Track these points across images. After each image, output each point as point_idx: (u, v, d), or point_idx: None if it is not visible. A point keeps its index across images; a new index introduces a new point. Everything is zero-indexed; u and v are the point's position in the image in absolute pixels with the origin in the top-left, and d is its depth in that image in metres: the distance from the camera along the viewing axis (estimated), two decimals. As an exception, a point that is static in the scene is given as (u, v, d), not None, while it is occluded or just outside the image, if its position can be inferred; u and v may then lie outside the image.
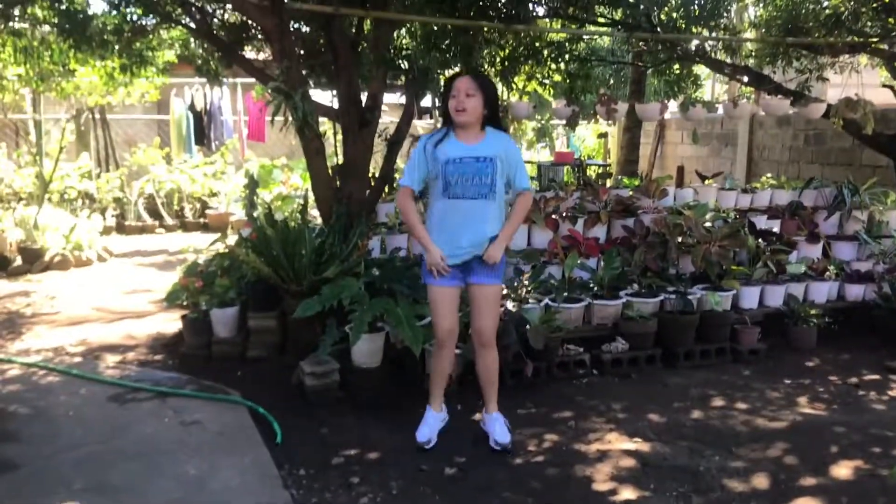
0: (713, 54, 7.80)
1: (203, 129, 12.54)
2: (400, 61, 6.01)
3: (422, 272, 4.12)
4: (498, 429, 4.16)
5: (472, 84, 3.86)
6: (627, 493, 3.68)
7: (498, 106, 4.06)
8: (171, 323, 6.45)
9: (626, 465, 3.97)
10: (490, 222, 3.94)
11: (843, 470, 3.92)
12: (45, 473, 3.78)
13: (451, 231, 3.93)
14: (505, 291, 5.47)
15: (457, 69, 6.94)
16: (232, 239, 6.43)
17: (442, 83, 6.38)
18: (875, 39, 6.74)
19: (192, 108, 12.31)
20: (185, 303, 6.09)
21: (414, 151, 4.07)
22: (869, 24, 6.87)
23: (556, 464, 3.98)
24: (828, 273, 6.47)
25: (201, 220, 12.43)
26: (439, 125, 4.25)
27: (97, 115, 12.54)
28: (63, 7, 6.32)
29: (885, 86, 7.77)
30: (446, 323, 4.03)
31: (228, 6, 6.50)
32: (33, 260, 8.82)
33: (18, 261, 8.83)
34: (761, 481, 3.79)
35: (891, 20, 6.81)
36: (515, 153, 3.99)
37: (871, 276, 6.50)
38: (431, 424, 4.19)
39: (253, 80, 7.59)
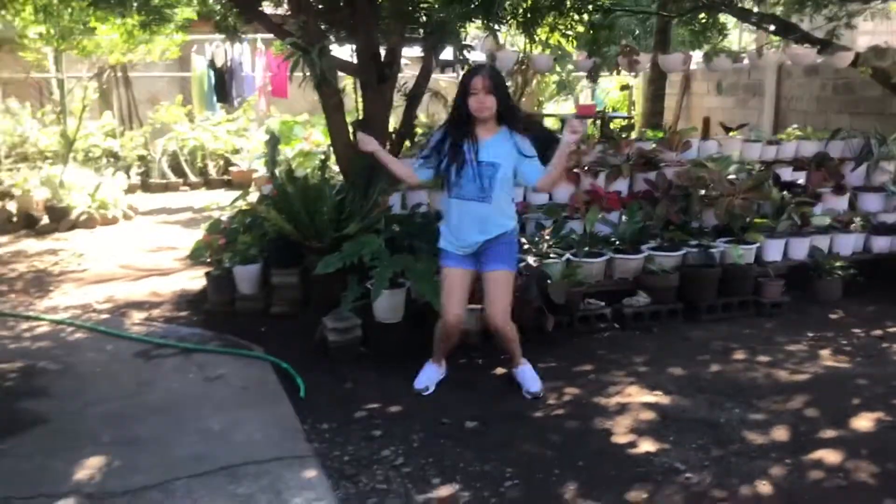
0: (739, 2, 7.64)
1: (224, 85, 12.51)
2: (419, 14, 5.93)
3: (440, 256, 4.23)
4: (528, 378, 4.27)
5: (489, 81, 3.94)
6: (647, 445, 3.70)
7: (511, 100, 4.15)
8: (195, 280, 6.52)
9: (645, 418, 3.99)
10: (494, 221, 4.06)
11: (863, 422, 3.91)
12: (74, 427, 3.87)
13: (459, 227, 4.10)
14: (526, 246, 5.45)
15: (477, 22, 6.86)
16: (254, 196, 6.46)
17: (462, 36, 6.33)
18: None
19: (212, 64, 12.27)
20: (208, 260, 6.14)
21: (430, 140, 4.22)
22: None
23: (576, 417, 4.01)
24: (854, 225, 6.39)
25: (225, 177, 12.46)
26: (461, 79, 4.24)
27: (119, 74, 12.54)
28: (80, -36, 6.30)
29: (916, 33, 7.58)
30: (455, 309, 4.12)
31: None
32: (60, 218, 8.93)
33: (45, 219, 8.95)
34: (781, 433, 3.80)
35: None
36: (520, 158, 4.02)
37: (898, 227, 6.41)
38: (429, 374, 4.36)
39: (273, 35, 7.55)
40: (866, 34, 8.21)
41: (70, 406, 4.12)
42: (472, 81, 3.95)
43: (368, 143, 4.33)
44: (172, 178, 12.21)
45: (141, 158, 12.21)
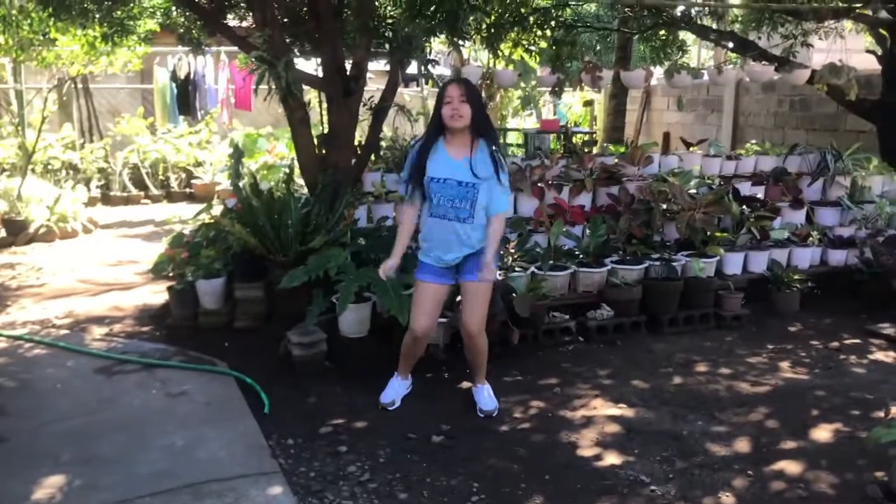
0: (699, 20, 7.78)
1: (188, 98, 12.42)
2: (384, 29, 5.96)
3: (417, 267, 4.17)
4: (483, 398, 4.26)
5: (464, 91, 3.89)
6: (612, 458, 3.73)
7: (484, 110, 4.10)
8: (157, 294, 6.44)
9: (610, 431, 4.02)
10: (473, 238, 4.01)
11: (823, 433, 3.99)
12: (33, 446, 3.80)
13: (439, 244, 4.03)
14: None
15: (441, 37, 6.90)
16: (218, 209, 6.40)
17: (427, 51, 6.36)
18: (859, 5, 6.72)
19: (174, 76, 12.17)
20: (171, 274, 6.07)
21: (406, 167, 4.12)
22: (853, -11, 6.86)
23: (541, 430, 4.03)
24: (811, 238, 6.52)
25: (187, 190, 12.34)
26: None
27: (80, 85, 12.38)
28: (41, -25, 6.22)
29: (868, 51, 7.78)
30: (424, 320, 4.09)
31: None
32: (18, 232, 8.77)
33: (2, 233, 8.78)
34: (743, 445, 3.86)
35: (875, -15, 6.79)
36: (504, 176, 3.97)
37: (854, 241, 6.56)
38: (395, 388, 4.34)
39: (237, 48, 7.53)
40: (821, 52, 8.39)
41: (28, 424, 4.04)
42: (446, 91, 3.92)
43: (384, 270, 4.15)
44: (133, 191, 12.07)
45: (101, 171, 12.04)
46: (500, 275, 5.29)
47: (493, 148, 3.96)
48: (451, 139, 3.97)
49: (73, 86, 12.07)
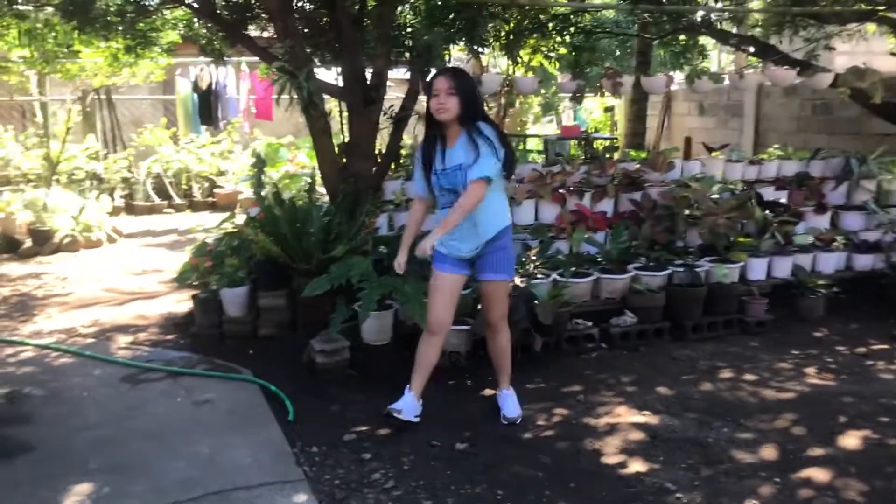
0: (719, 24, 7.75)
1: (209, 108, 12.53)
2: (404, 38, 5.99)
3: (433, 258, 4.10)
4: (508, 404, 4.24)
5: (452, 82, 3.84)
6: (637, 465, 3.71)
7: (476, 100, 3.98)
8: (181, 303, 6.49)
9: (635, 438, 4.00)
10: (481, 225, 3.93)
11: (851, 440, 3.94)
12: (61, 454, 3.84)
13: (449, 237, 3.94)
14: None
15: (461, 45, 6.93)
16: (240, 218, 6.45)
17: (446, 58, 6.39)
18: (883, 7, 6.67)
19: (196, 87, 12.28)
20: (195, 283, 6.13)
21: (415, 160, 4.16)
22: (876, -9, 6.81)
23: (565, 437, 4.02)
24: (835, 243, 6.46)
25: (209, 199, 12.44)
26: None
27: (103, 96, 12.52)
28: (66, -12, 6.31)
29: (892, 53, 7.71)
30: (441, 312, 4.05)
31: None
32: (43, 242, 8.87)
33: (28, 243, 8.89)
34: (770, 452, 3.82)
35: (899, -13, 6.74)
36: (484, 147, 3.81)
37: (880, 245, 6.49)
38: (408, 403, 4.08)
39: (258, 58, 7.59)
40: (844, 55, 8.32)
41: (56, 432, 4.08)
42: (434, 83, 3.89)
43: (398, 265, 4.13)
44: (157, 201, 12.18)
45: (125, 181, 12.17)
46: (521, 281, 5.30)
47: (475, 134, 3.84)
48: (445, 131, 3.94)
49: (96, 97, 12.23)
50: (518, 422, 4.17)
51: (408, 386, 4.16)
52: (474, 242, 3.98)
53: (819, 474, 3.59)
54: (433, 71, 6.02)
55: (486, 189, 3.83)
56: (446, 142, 3.96)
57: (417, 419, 4.12)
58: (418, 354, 4.17)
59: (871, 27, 7.71)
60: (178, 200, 12.31)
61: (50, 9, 6.91)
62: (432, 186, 4.02)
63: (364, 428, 4.14)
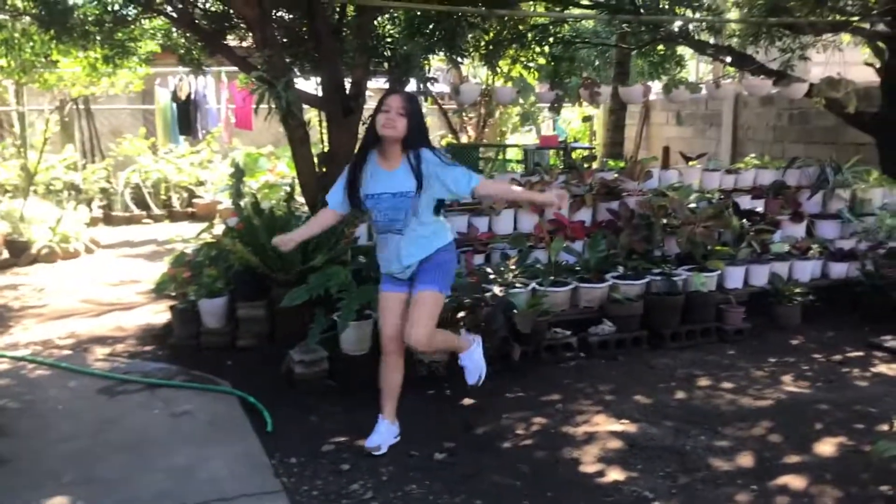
0: (696, 35, 7.82)
1: (188, 118, 12.48)
2: (383, 48, 6.00)
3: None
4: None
5: (405, 104, 3.76)
6: (615, 474, 3.73)
7: (424, 127, 3.92)
8: (159, 314, 6.45)
9: (613, 447, 4.01)
10: (418, 245, 3.89)
11: (826, 447, 3.97)
12: (35, 467, 3.80)
13: (384, 256, 3.97)
14: (492, 276, 5.49)
15: (440, 55, 6.96)
16: (219, 228, 6.43)
17: (426, 69, 6.41)
18: (856, 18, 6.76)
19: (175, 97, 12.24)
20: (173, 293, 6.09)
21: (341, 176, 3.99)
22: (849, 2, 6.90)
23: (544, 447, 4.03)
24: (811, 252, 6.52)
25: (189, 209, 12.39)
26: (424, 110, 4.25)
27: (81, 106, 12.44)
28: (43, -2, 6.27)
29: (867, 64, 7.81)
30: (388, 329, 3.99)
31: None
32: (20, 253, 8.79)
33: (5, 254, 8.80)
34: (746, 460, 3.85)
35: (872, -1, 6.83)
36: (442, 167, 3.81)
37: (855, 254, 6.56)
38: (383, 434, 4.01)
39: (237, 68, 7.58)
40: (820, 65, 8.42)
41: (31, 445, 4.04)
42: (386, 99, 3.78)
43: (286, 242, 4.05)
44: (136, 211, 12.11)
45: (103, 191, 12.10)
46: (500, 290, 5.30)
47: (419, 160, 3.79)
48: (384, 151, 3.84)
49: (74, 107, 12.15)
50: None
51: (380, 415, 4.06)
52: (404, 263, 3.90)
53: (795, 481, 3.61)
54: (412, 81, 6.06)
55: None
56: (380, 163, 3.85)
57: (397, 439, 4.06)
58: (382, 380, 4.07)
59: (845, 37, 7.81)
60: (156, 211, 12.24)
61: (27, 18, 6.86)
62: (370, 210, 3.89)
63: (343, 438, 4.13)
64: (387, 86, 6.33)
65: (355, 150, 4.23)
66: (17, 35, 7.27)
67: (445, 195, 3.92)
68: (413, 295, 3.93)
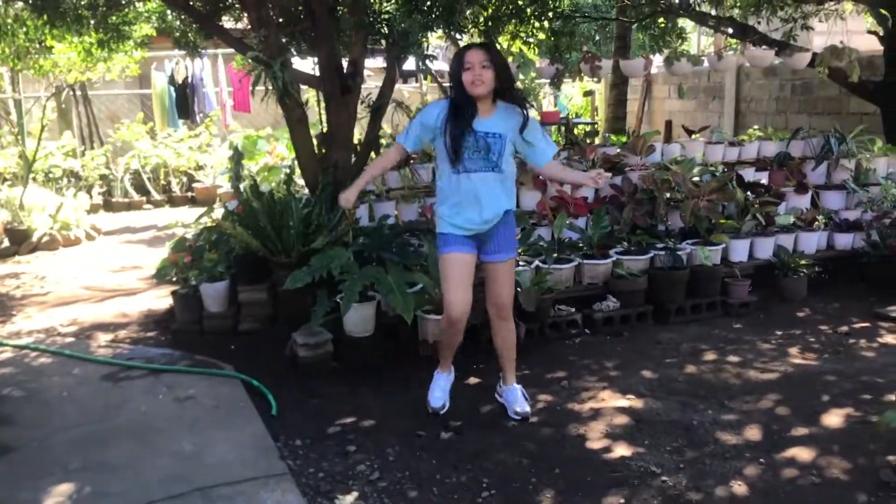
0: (697, 6, 7.73)
1: (186, 101, 12.42)
2: (380, 25, 5.92)
3: (438, 245, 4.00)
4: (518, 399, 4.13)
5: (486, 56, 3.74)
6: (622, 449, 3.71)
7: (510, 77, 3.94)
8: (161, 299, 6.43)
9: (619, 423, 3.99)
10: (502, 196, 3.88)
11: (834, 418, 3.95)
12: (41, 455, 3.79)
13: (464, 204, 3.85)
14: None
15: (439, 32, 6.87)
16: (219, 212, 6.39)
17: (424, 46, 6.33)
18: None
19: (172, 81, 12.16)
20: (174, 278, 6.06)
21: (420, 114, 4.01)
22: (852, -31, 6.81)
23: (550, 424, 4.01)
24: (816, 223, 6.48)
25: (189, 193, 12.35)
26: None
27: (78, 92, 12.39)
28: (34, -18, 6.21)
29: (870, 32, 7.73)
30: (460, 296, 3.87)
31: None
32: (21, 241, 8.77)
33: (6, 242, 8.78)
34: (754, 433, 3.82)
35: (874, -35, 6.74)
36: (533, 126, 3.88)
37: (860, 224, 6.51)
38: (443, 386, 4.18)
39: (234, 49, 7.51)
40: (822, 34, 8.34)
41: (36, 433, 4.03)
42: (465, 55, 3.76)
43: (349, 199, 4.04)
44: (135, 197, 12.07)
45: (103, 177, 12.05)
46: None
47: (514, 111, 3.83)
48: (477, 105, 3.81)
49: (71, 93, 12.09)
50: (529, 417, 4.05)
51: (437, 371, 4.22)
52: (487, 214, 3.85)
53: (803, 453, 3.59)
54: (410, 59, 5.99)
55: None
56: (478, 111, 3.82)
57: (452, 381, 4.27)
58: (442, 338, 4.16)
59: (848, 6, 7.73)
60: (156, 196, 12.21)
61: (20, 3, 6.80)
62: (457, 148, 3.78)
63: (348, 420, 4.12)
64: (385, 64, 6.26)
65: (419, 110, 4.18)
66: (10, 21, 7.21)
67: (520, 155, 3.98)
68: (493, 264, 3.96)
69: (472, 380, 4.59)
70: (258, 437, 3.92)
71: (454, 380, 4.31)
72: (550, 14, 8.05)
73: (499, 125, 3.82)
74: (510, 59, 7.03)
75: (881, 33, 7.53)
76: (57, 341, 5.54)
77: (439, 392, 4.17)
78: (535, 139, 3.90)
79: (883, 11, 7.45)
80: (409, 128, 4.02)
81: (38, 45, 8.06)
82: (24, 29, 7.37)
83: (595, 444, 3.79)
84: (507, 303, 4.04)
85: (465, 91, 3.78)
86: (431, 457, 3.69)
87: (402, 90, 11.92)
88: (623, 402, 4.25)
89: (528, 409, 4.10)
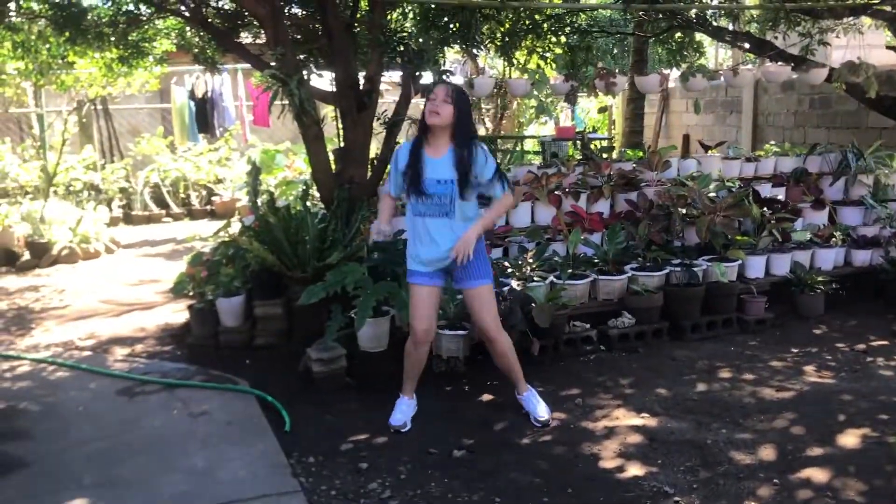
0: (714, 21, 7.72)
1: (206, 116, 12.52)
2: (396, 43, 5.97)
3: (407, 272, 4.17)
4: (534, 405, 4.24)
5: (451, 93, 3.93)
6: (635, 469, 3.69)
7: (470, 121, 4.08)
8: (178, 313, 6.48)
9: (633, 441, 3.98)
10: (457, 236, 3.99)
11: (850, 438, 3.91)
12: (56, 470, 3.82)
13: (424, 244, 4.03)
14: (510, 269, 5.47)
15: (455, 48, 6.92)
16: (236, 226, 6.44)
17: (440, 62, 6.38)
18: (877, 1, 6.64)
19: (192, 95, 12.28)
20: (191, 293, 6.11)
21: (393, 160, 4.15)
22: (870, -16, 6.77)
23: (563, 442, 4.00)
24: (834, 239, 6.43)
25: (208, 207, 12.45)
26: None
27: (99, 107, 12.53)
28: (57, 0, 6.30)
29: (889, 47, 7.68)
30: (423, 324, 4.09)
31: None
32: (41, 254, 8.86)
33: (26, 255, 8.87)
34: (768, 453, 3.79)
35: (892, -20, 6.70)
36: (482, 168, 3.97)
37: (878, 240, 6.46)
38: (405, 411, 4.25)
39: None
40: (841, 48, 8.29)
41: (52, 448, 4.07)
42: (434, 89, 3.98)
43: (381, 233, 4.21)
44: (155, 210, 12.18)
45: (123, 191, 12.17)
46: (518, 284, 5.27)
47: (467, 151, 3.94)
48: (432, 140, 3.99)
49: (92, 107, 12.23)
50: (550, 423, 4.17)
51: (401, 394, 4.28)
52: (439, 252, 4.00)
53: (818, 474, 3.56)
54: (427, 75, 6.02)
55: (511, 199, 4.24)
56: (427, 151, 4.00)
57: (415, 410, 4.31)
58: (410, 365, 4.24)
59: (866, 20, 7.68)
60: (176, 209, 12.30)
61: (42, 21, 6.90)
62: (420, 193, 3.97)
63: (361, 437, 4.12)
64: (401, 80, 6.30)
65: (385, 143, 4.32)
66: (33, 37, 7.33)
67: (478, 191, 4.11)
68: (469, 291, 4.10)
69: (486, 396, 4.59)
70: (271, 454, 3.93)
71: (461, 400, 4.41)
72: (567, 29, 8.08)
73: (447, 171, 3.94)
74: (524, 77, 7.03)
75: (900, 48, 7.48)
76: (74, 355, 5.59)
77: (400, 414, 4.23)
78: (480, 175, 3.99)
79: (901, 26, 7.40)
80: (391, 179, 4.17)
81: (60, 61, 8.18)
82: (47, 45, 7.49)
83: (608, 463, 3.77)
84: (489, 325, 4.13)
85: (424, 125, 3.97)
86: (443, 475, 3.69)
87: (419, 105, 11.95)
88: (637, 420, 4.23)
89: (546, 414, 4.20)
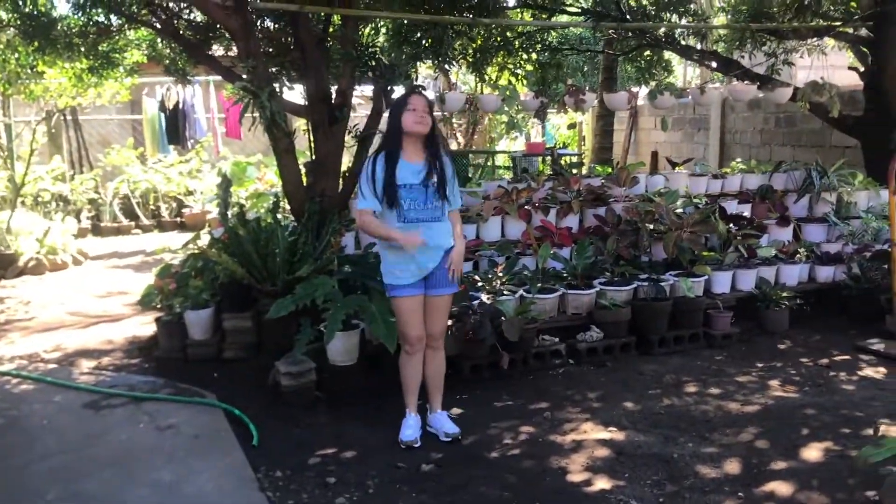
0: (682, 40, 7.85)
1: (177, 127, 12.46)
2: (368, 57, 5.99)
3: (385, 286, 4.20)
4: (445, 423, 4.28)
5: (429, 105, 4.08)
6: (602, 483, 3.71)
7: (438, 133, 4.28)
8: (146, 326, 6.42)
9: (601, 455, 4.01)
10: (446, 237, 4.12)
11: (813, 452, 3.97)
12: (18, 485, 3.76)
13: (421, 251, 4.01)
14: (480, 283, 5.50)
15: (428, 63, 6.96)
16: (206, 238, 6.40)
17: (413, 76, 6.41)
18: (839, 24, 6.79)
19: (162, 107, 12.22)
20: (159, 305, 6.06)
21: (363, 174, 4.09)
22: (832, 8, 6.93)
23: (531, 456, 4.02)
24: (798, 255, 6.54)
25: (178, 219, 12.36)
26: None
27: (69, 117, 12.42)
28: (26, 10, 6.26)
29: (851, 68, 7.85)
30: (416, 330, 4.14)
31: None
32: (7, 265, 8.75)
33: (-8, 267, 8.75)
34: (734, 466, 3.84)
35: (853, 4, 6.86)
36: (452, 173, 4.16)
37: (841, 257, 6.58)
38: (413, 426, 4.23)
39: (223, 78, 7.57)
40: (805, 69, 8.46)
41: (14, 462, 4.01)
42: (410, 100, 4.04)
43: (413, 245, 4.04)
44: (124, 222, 12.08)
45: (92, 202, 12.06)
46: (487, 298, 5.30)
47: (441, 157, 4.11)
48: (406, 147, 4.05)
49: (61, 118, 12.10)
50: (459, 435, 4.20)
51: (407, 411, 4.27)
52: (436, 257, 4.08)
53: (782, 487, 3.61)
54: (399, 89, 6.05)
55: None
56: (404, 157, 4.05)
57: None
58: (409, 377, 4.24)
59: (830, 41, 7.86)
60: (145, 221, 12.21)
61: (11, 30, 6.85)
62: (396, 200, 3.99)
63: (329, 451, 4.11)
64: (372, 95, 6.32)
65: (372, 151, 4.40)
66: (1, 46, 7.26)
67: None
68: (436, 298, 4.16)
69: (455, 410, 4.59)
70: (238, 468, 3.91)
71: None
72: (538, 46, 8.17)
73: (431, 174, 4.05)
74: (495, 93, 7.08)
75: (861, 69, 7.65)
76: (40, 368, 5.52)
77: (410, 430, 4.22)
78: (448, 185, 4.11)
79: (863, 49, 7.58)
80: (363, 192, 4.06)
81: (29, 71, 8.11)
82: (16, 55, 7.43)
83: (576, 476, 3.79)
84: (443, 332, 4.28)
85: (399, 134, 4.02)
86: (411, 490, 3.69)
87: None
88: (605, 434, 4.26)
89: (456, 429, 4.24)
